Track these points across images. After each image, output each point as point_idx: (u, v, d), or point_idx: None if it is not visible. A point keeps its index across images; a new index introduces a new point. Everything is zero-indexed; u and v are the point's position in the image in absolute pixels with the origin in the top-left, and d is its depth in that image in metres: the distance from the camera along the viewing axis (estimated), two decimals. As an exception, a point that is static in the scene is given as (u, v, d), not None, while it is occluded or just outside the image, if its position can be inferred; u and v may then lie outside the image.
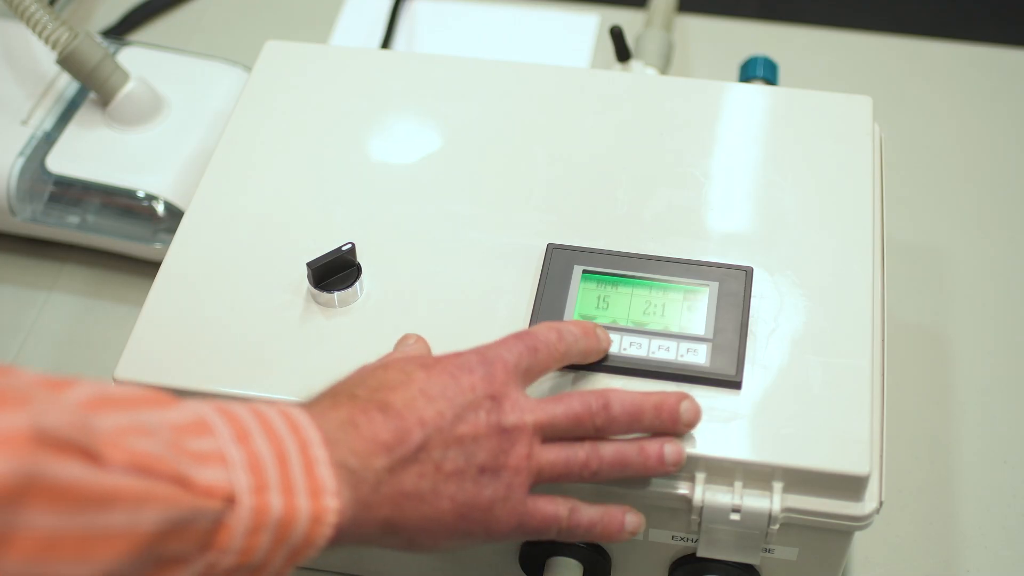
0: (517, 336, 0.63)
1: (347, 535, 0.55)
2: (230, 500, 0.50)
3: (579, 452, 0.61)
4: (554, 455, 0.61)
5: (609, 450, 0.62)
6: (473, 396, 0.59)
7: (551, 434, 0.61)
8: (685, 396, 0.64)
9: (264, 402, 0.55)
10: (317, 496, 0.53)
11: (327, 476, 0.53)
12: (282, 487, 0.52)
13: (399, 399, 0.58)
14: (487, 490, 0.59)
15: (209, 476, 0.50)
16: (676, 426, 0.63)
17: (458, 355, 0.61)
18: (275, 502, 0.51)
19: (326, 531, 0.53)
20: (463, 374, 0.60)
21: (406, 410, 0.58)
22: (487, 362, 0.61)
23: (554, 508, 0.61)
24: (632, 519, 0.64)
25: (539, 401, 0.61)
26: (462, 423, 0.58)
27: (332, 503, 0.53)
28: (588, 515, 0.63)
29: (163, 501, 0.48)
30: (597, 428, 0.62)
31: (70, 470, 0.45)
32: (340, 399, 0.58)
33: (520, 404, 0.60)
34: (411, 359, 0.61)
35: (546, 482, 0.61)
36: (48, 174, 0.92)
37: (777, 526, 0.64)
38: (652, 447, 0.62)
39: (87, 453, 0.46)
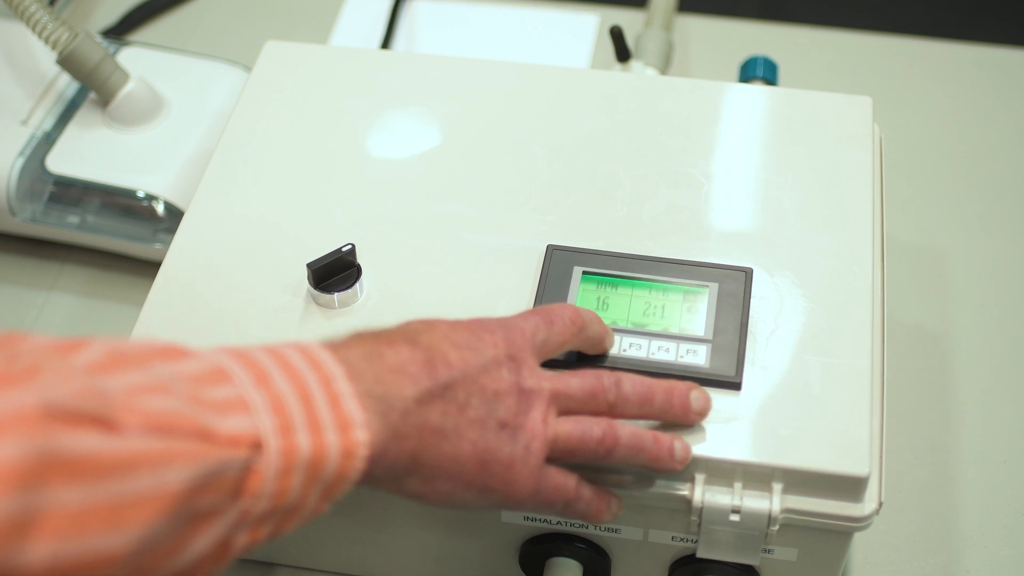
0: (533, 310, 0.64)
1: (378, 469, 0.55)
2: (256, 446, 0.50)
3: (595, 428, 0.61)
4: (571, 426, 0.61)
5: (626, 431, 0.62)
6: (495, 352, 0.60)
7: (566, 405, 0.61)
8: (695, 386, 0.64)
9: (284, 343, 0.55)
10: (346, 430, 0.52)
11: (354, 409, 0.53)
12: (308, 425, 0.51)
13: (425, 340, 0.58)
14: (507, 446, 0.59)
15: (232, 425, 0.49)
16: (687, 413, 0.64)
17: (477, 318, 0.62)
18: (303, 441, 0.51)
19: (358, 464, 0.53)
20: (484, 332, 0.60)
21: (433, 350, 0.58)
22: (506, 327, 0.61)
23: (564, 478, 0.62)
24: (616, 502, 0.65)
25: (554, 372, 0.62)
26: (485, 375, 0.59)
27: (362, 435, 0.53)
28: (587, 492, 0.63)
29: (187, 457, 0.47)
30: (610, 404, 0.62)
31: (86, 441, 0.44)
32: (364, 336, 0.58)
33: (537, 371, 0.61)
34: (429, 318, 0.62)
35: (560, 455, 0.61)
36: (48, 174, 0.92)
37: (777, 527, 0.64)
38: (665, 438, 0.63)
39: (101, 421, 0.45)
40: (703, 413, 0.64)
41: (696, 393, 0.64)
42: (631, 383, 0.63)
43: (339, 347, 0.56)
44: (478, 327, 0.61)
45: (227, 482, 0.49)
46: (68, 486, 0.43)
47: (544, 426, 0.60)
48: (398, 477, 0.57)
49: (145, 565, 0.47)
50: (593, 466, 0.64)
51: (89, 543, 0.44)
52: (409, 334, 0.59)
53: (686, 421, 0.64)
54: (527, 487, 0.60)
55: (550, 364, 0.64)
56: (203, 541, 0.49)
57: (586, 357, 0.67)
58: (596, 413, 0.62)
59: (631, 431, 0.62)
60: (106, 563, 0.45)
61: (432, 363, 0.57)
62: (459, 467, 0.58)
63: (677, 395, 0.63)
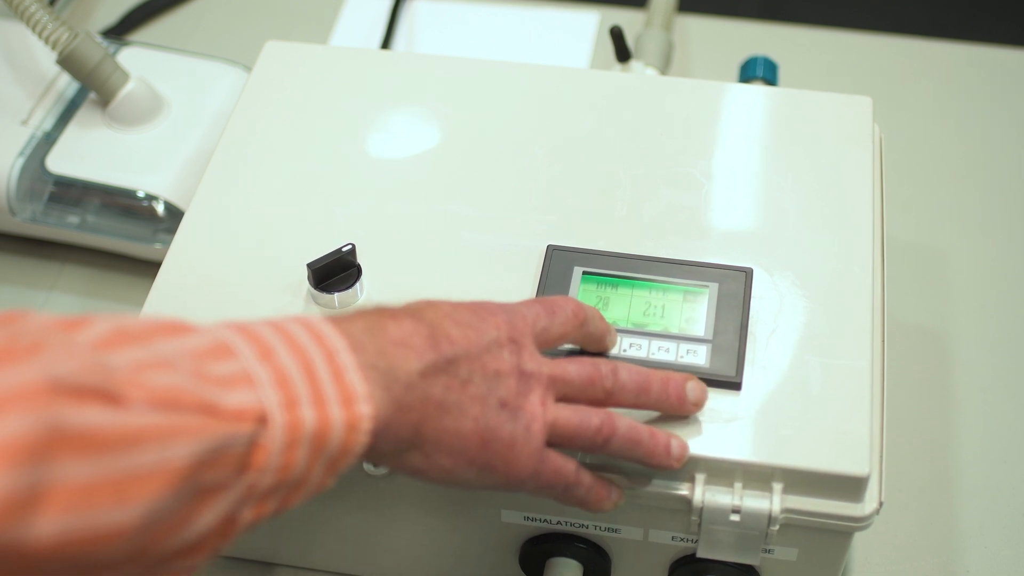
0: (536, 299, 0.64)
1: (382, 442, 0.54)
2: (262, 420, 0.50)
3: (593, 417, 0.61)
4: (569, 413, 0.61)
5: (624, 423, 0.62)
6: (497, 334, 0.60)
7: (564, 391, 0.62)
8: (691, 377, 0.64)
9: (287, 317, 0.55)
10: (349, 404, 0.52)
11: (357, 382, 0.53)
12: (313, 399, 0.51)
13: (429, 316, 0.59)
14: (507, 426, 0.59)
15: (237, 399, 0.49)
16: (683, 404, 0.64)
17: (480, 301, 0.62)
18: (307, 415, 0.51)
19: (362, 438, 0.53)
20: (487, 314, 0.61)
21: (437, 326, 0.58)
22: (508, 311, 0.62)
23: (564, 462, 0.62)
24: (616, 492, 0.64)
25: (553, 358, 0.62)
26: (487, 354, 0.59)
27: (365, 409, 0.53)
28: (587, 478, 0.63)
29: (192, 432, 0.47)
30: (607, 391, 0.62)
31: (92, 416, 0.44)
32: (367, 310, 0.58)
33: (537, 356, 0.61)
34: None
35: (557, 440, 0.61)
36: (48, 174, 0.92)
37: (777, 527, 0.64)
38: (662, 434, 0.63)
39: (107, 396, 0.45)
40: (699, 404, 0.64)
41: (692, 384, 0.64)
42: (628, 372, 0.63)
43: (342, 320, 0.56)
44: (480, 308, 0.61)
45: (233, 456, 0.49)
46: (74, 460, 0.43)
47: (543, 409, 0.60)
48: (400, 451, 0.57)
49: (151, 540, 0.47)
50: (591, 463, 0.64)
51: (96, 517, 0.44)
52: (412, 310, 0.59)
53: (682, 411, 0.64)
54: (527, 467, 0.60)
55: (549, 356, 0.64)
56: (209, 516, 0.49)
57: (587, 354, 0.67)
58: (593, 400, 0.62)
59: (629, 423, 0.62)
60: (112, 537, 0.45)
61: (435, 338, 0.57)
62: (461, 442, 0.58)
63: (673, 385, 0.64)
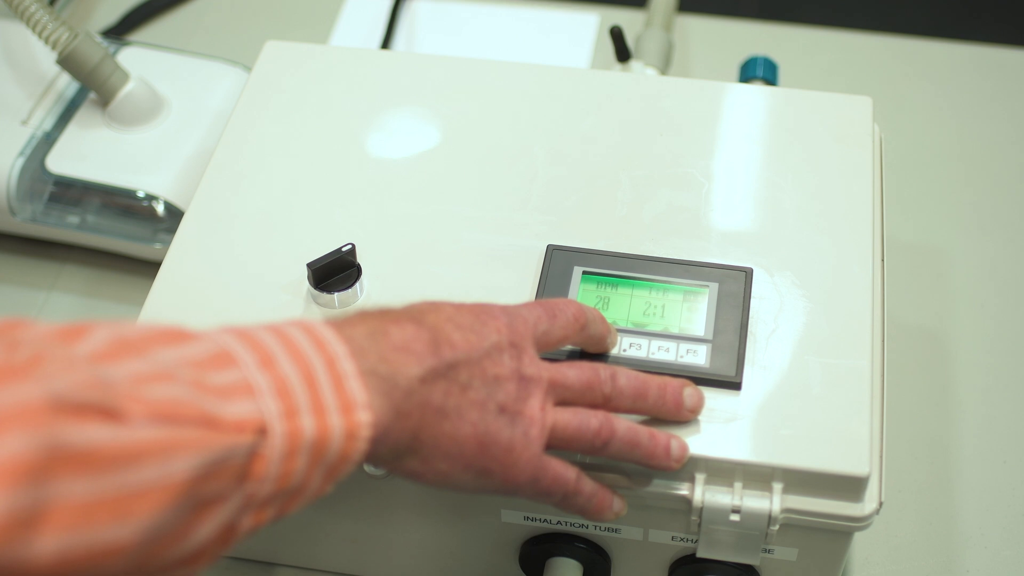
0: (537, 302, 0.64)
1: (380, 448, 0.54)
2: (261, 431, 0.49)
3: (592, 420, 0.61)
4: (568, 416, 0.61)
5: (623, 425, 0.62)
6: (498, 338, 0.60)
7: (563, 395, 0.62)
8: (688, 383, 0.64)
9: (288, 321, 0.55)
10: (349, 412, 0.52)
11: (357, 390, 0.53)
12: (313, 408, 0.51)
13: (431, 319, 0.58)
14: (506, 430, 0.59)
15: (237, 411, 0.49)
16: (680, 410, 0.64)
17: (481, 303, 0.62)
18: (307, 424, 0.51)
19: (361, 445, 0.53)
20: (489, 318, 0.60)
21: (438, 330, 0.58)
22: (510, 314, 0.62)
23: (564, 470, 0.62)
24: (619, 502, 0.64)
25: (553, 362, 0.62)
26: (488, 359, 0.59)
27: (365, 417, 0.52)
28: (589, 486, 0.63)
29: (193, 446, 0.47)
30: (605, 396, 0.62)
31: (92, 433, 0.44)
32: (370, 313, 0.58)
33: (537, 360, 0.61)
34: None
35: (557, 444, 0.61)
36: (48, 174, 0.92)
37: (777, 527, 0.64)
38: (661, 435, 0.63)
39: (107, 412, 0.45)
40: (696, 410, 0.64)
41: (689, 390, 0.64)
42: (626, 377, 0.63)
43: (343, 325, 0.56)
44: (482, 312, 0.61)
45: (233, 468, 0.49)
46: (75, 479, 0.43)
47: (542, 414, 0.60)
48: (398, 456, 0.57)
49: (151, 553, 0.47)
50: (591, 463, 0.64)
51: (96, 535, 0.44)
52: (414, 314, 0.59)
53: (678, 417, 0.64)
54: (526, 473, 0.60)
55: (548, 358, 0.64)
56: (209, 526, 0.49)
57: (587, 354, 0.67)
58: (591, 405, 0.62)
59: (628, 426, 0.62)
60: (113, 554, 0.45)
61: (437, 343, 0.57)
62: (459, 447, 0.58)
63: (670, 391, 0.64)
